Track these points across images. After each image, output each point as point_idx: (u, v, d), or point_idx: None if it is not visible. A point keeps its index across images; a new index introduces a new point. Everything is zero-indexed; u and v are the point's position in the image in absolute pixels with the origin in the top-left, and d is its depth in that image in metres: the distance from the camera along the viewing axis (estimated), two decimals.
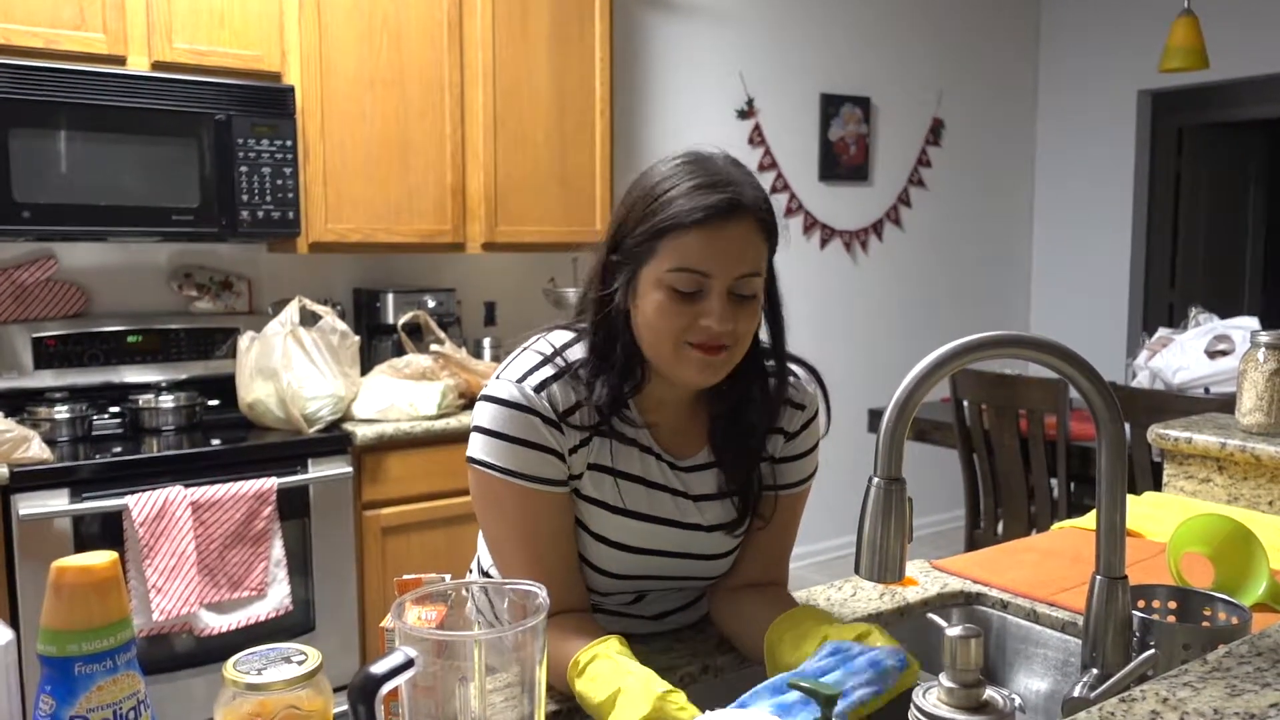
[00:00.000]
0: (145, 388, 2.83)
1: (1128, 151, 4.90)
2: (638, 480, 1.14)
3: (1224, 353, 3.13)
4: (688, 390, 1.14)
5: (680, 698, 0.92)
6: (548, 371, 1.10)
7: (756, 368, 1.16)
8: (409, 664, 0.73)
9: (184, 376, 2.92)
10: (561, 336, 1.14)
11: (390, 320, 3.12)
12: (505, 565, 1.11)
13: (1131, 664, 0.89)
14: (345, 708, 0.72)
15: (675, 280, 1.04)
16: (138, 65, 2.59)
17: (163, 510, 2.36)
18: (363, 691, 0.71)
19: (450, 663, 0.76)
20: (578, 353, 1.12)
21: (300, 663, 0.78)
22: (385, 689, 0.72)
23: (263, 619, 2.53)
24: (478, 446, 1.10)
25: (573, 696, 1.03)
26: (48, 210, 2.46)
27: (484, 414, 1.10)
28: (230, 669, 0.77)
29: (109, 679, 0.74)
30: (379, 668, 0.72)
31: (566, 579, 1.10)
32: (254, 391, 2.71)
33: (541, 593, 0.81)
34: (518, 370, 1.10)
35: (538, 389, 1.08)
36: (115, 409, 2.78)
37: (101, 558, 0.74)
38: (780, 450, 1.20)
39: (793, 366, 1.20)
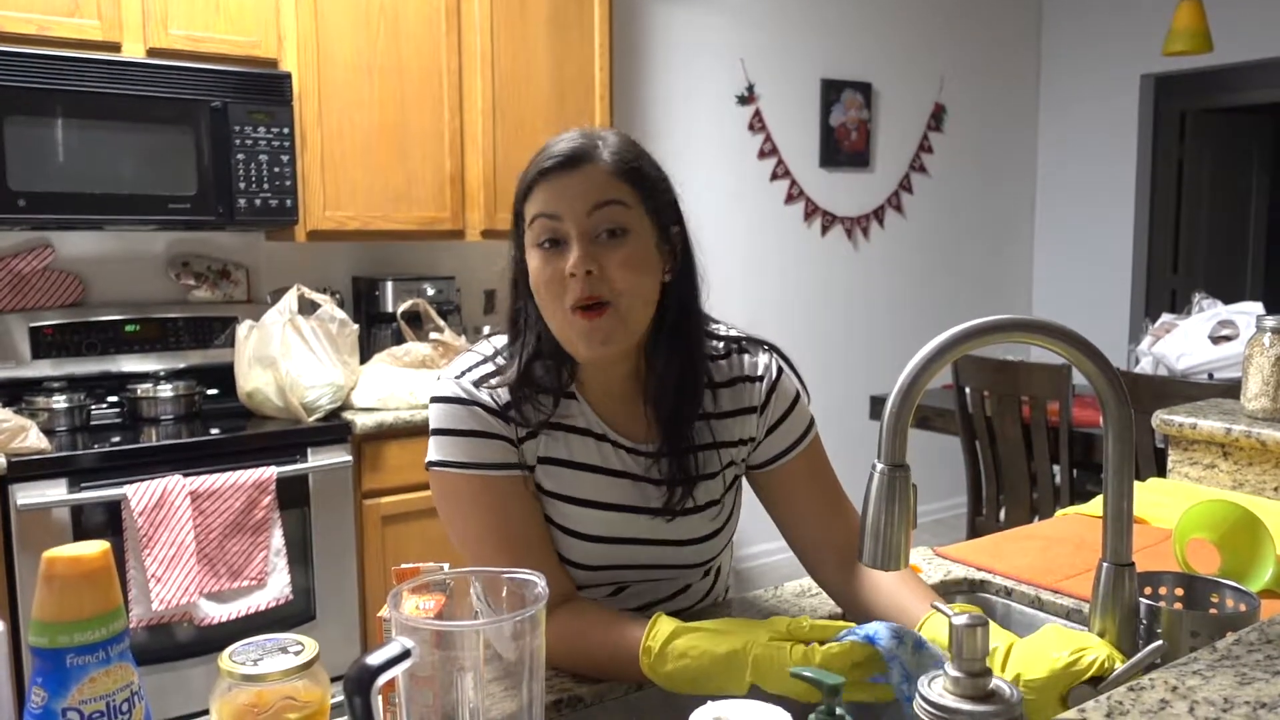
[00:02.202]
0: (143, 377, 2.82)
1: (1130, 136, 4.88)
2: (594, 469, 1.13)
3: (1228, 338, 3.11)
4: (622, 367, 1.13)
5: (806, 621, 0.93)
6: (487, 368, 1.12)
7: (686, 344, 1.14)
8: (405, 655, 0.72)
9: (182, 365, 2.91)
10: (502, 339, 1.16)
11: (389, 308, 3.11)
12: (483, 563, 1.08)
13: (1139, 655, 0.88)
14: (343, 698, 0.71)
15: (537, 233, 1.06)
16: (133, 52, 2.57)
17: (162, 500, 2.36)
18: (358, 683, 0.70)
19: (448, 653, 0.75)
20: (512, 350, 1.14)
21: (297, 653, 0.78)
22: (381, 680, 0.71)
23: (263, 608, 2.52)
24: (433, 449, 1.11)
25: (573, 685, 1.02)
26: (44, 199, 2.45)
27: (432, 415, 1.12)
28: (226, 659, 0.77)
29: (101, 670, 0.73)
30: (374, 659, 0.71)
31: (550, 566, 1.09)
32: (253, 380, 2.70)
33: (540, 581, 0.80)
34: (457, 369, 1.13)
35: (477, 383, 1.10)
36: (113, 398, 2.77)
37: (92, 548, 0.73)
38: (759, 428, 1.19)
39: (744, 345, 1.21)
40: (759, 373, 1.19)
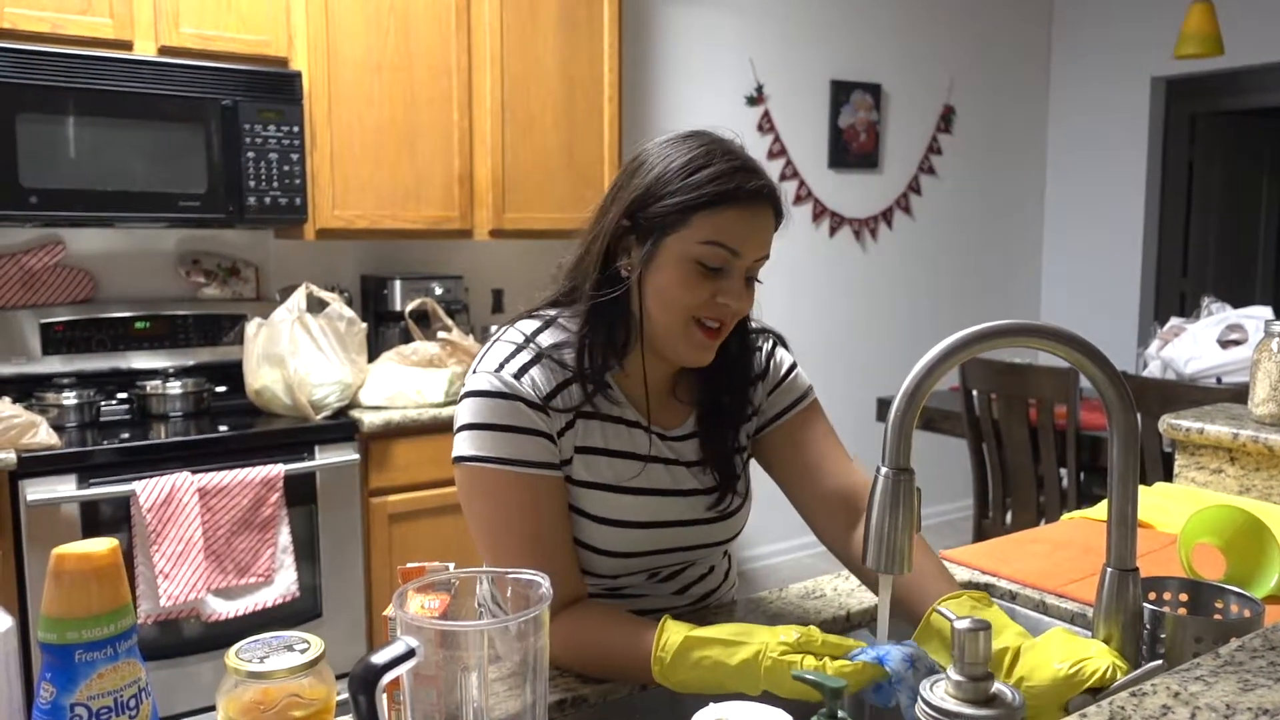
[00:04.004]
0: (153, 374, 2.83)
1: (1140, 139, 4.86)
2: (628, 456, 1.15)
3: (1236, 342, 3.10)
4: (673, 366, 1.16)
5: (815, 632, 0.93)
6: (525, 357, 1.11)
7: (749, 351, 1.21)
8: (410, 654, 0.72)
9: (191, 363, 2.92)
10: (530, 324, 1.15)
11: (397, 307, 3.12)
12: (504, 560, 1.09)
13: (1140, 670, 0.88)
14: (348, 696, 0.72)
15: (706, 254, 1.06)
16: (144, 50, 2.59)
17: (170, 496, 2.37)
18: (363, 681, 0.70)
19: (452, 653, 0.75)
20: (548, 339, 1.13)
21: (303, 651, 0.78)
22: (386, 679, 0.72)
23: (270, 605, 2.53)
24: (466, 444, 1.09)
25: (578, 685, 1.03)
26: (55, 195, 2.46)
27: (468, 410, 1.09)
28: (233, 657, 0.77)
29: (110, 666, 0.73)
30: (379, 658, 0.71)
31: (569, 567, 1.10)
32: (261, 378, 2.71)
33: (545, 583, 0.81)
34: (493, 361, 1.11)
35: (517, 375, 1.09)
36: (123, 395, 2.78)
37: (101, 545, 0.74)
38: (761, 394, 1.24)
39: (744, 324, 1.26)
40: (758, 344, 1.25)
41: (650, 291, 1.08)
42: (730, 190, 1.05)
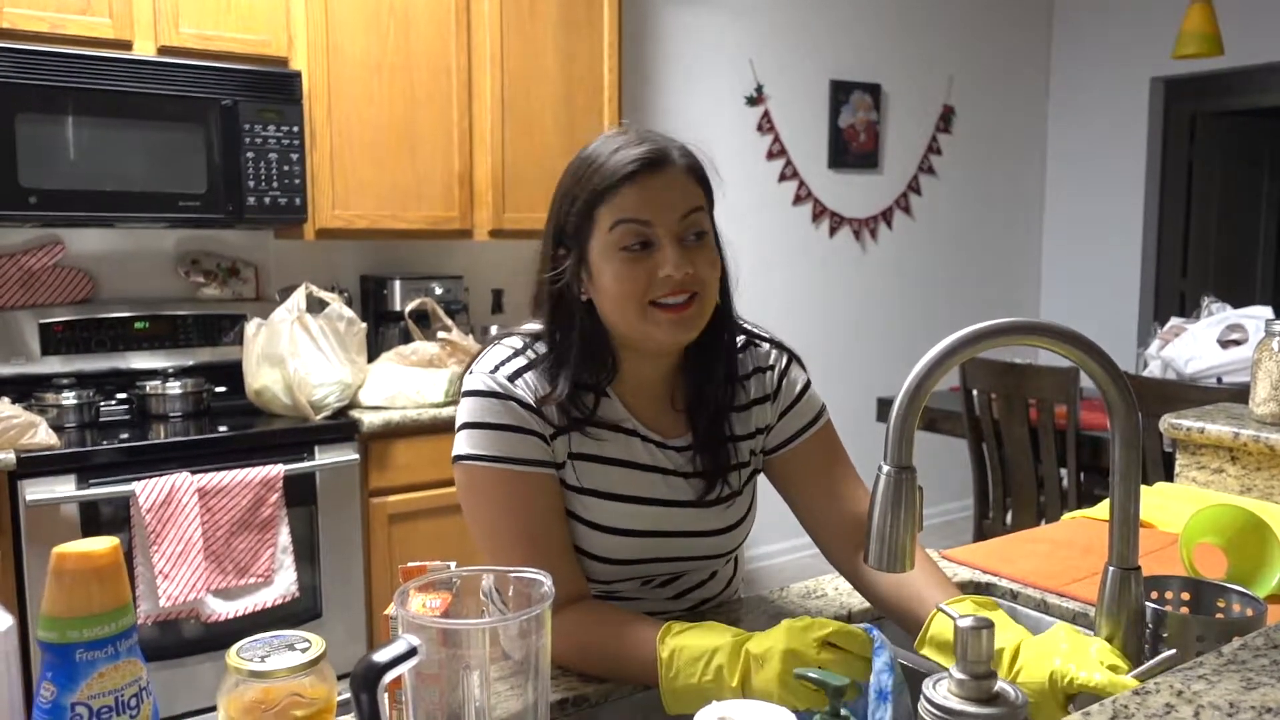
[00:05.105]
0: (152, 374, 2.82)
1: (1140, 139, 4.86)
2: (624, 464, 1.14)
3: (1237, 342, 3.10)
4: (664, 365, 1.15)
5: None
6: (521, 362, 1.12)
7: (722, 338, 1.17)
8: (411, 653, 0.72)
9: (191, 363, 2.92)
10: (530, 330, 1.16)
11: (397, 307, 3.11)
12: (503, 558, 1.09)
13: (1151, 661, 0.88)
14: (349, 695, 0.72)
15: (621, 237, 1.05)
16: (144, 50, 2.58)
17: (170, 497, 2.36)
18: (364, 680, 0.70)
19: (454, 651, 0.75)
20: (544, 348, 1.14)
21: (304, 650, 0.78)
22: (387, 678, 0.71)
23: (269, 605, 2.53)
24: (463, 443, 1.10)
25: (579, 684, 1.03)
26: (55, 196, 2.46)
27: (464, 409, 1.11)
28: (233, 656, 0.77)
29: (110, 665, 0.73)
30: (381, 656, 0.71)
31: (567, 565, 1.10)
32: (261, 378, 2.70)
33: (547, 581, 0.80)
34: (490, 362, 1.12)
35: (512, 377, 1.10)
36: (122, 395, 2.78)
37: (102, 544, 0.74)
38: (772, 414, 1.22)
39: (758, 338, 1.24)
40: (770, 362, 1.23)
41: (602, 301, 1.09)
42: (614, 170, 1.05)
